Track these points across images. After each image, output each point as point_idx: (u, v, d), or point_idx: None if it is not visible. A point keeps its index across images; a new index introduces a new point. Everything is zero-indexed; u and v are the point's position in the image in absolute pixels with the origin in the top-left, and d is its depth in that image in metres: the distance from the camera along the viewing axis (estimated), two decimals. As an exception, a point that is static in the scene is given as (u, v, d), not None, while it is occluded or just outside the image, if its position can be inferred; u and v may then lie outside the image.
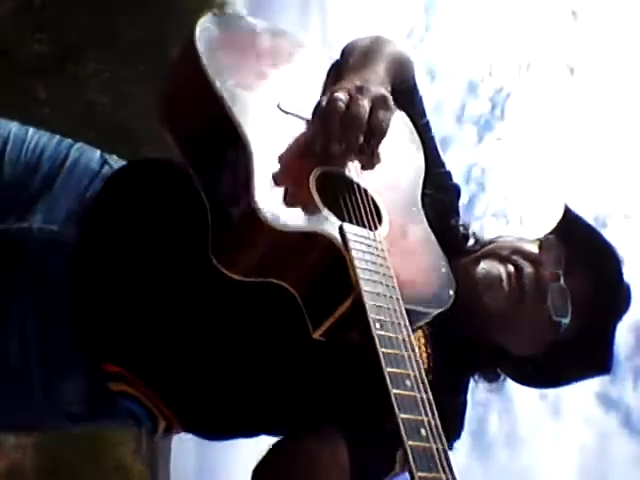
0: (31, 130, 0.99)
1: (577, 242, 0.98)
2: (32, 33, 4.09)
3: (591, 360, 1.00)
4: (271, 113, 0.82)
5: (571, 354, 0.98)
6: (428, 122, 1.05)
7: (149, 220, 0.90)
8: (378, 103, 0.80)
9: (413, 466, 0.51)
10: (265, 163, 0.74)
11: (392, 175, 0.91)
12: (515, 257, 0.97)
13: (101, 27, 4.51)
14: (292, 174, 0.77)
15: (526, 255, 0.97)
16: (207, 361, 0.87)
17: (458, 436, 0.95)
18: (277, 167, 0.76)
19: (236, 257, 0.73)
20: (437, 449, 0.54)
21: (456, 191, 1.06)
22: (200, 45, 0.80)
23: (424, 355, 0.90)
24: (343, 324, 0.72)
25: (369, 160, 0.83)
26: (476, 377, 1.03)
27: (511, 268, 0.96)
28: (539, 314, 0.94)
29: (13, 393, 0.88)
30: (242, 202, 0.71)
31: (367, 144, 0.80)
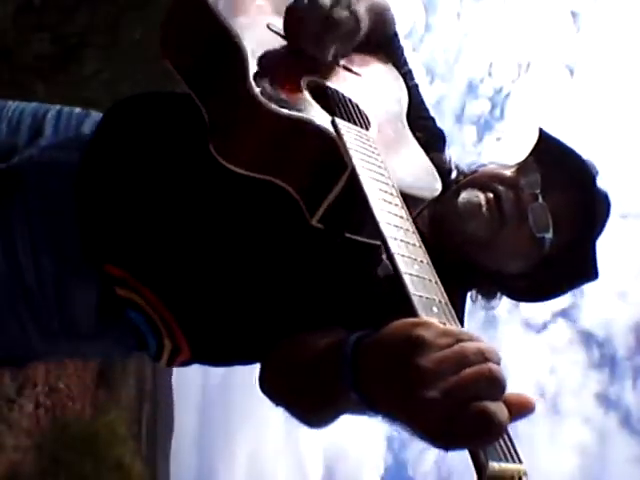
0: (9, 101, 1.04)
1: (552, 160, 1.02)
2: (32, 33, 4.09)
3: (578, 269, 1.04)
4: (262, 29, 0.88)
5: (560, 266, 1.03)
6: (410, 71, 1.10)
7: (152, 132, 0.94)
8: (339, 1, 0.85)
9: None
10: (258, 63, 0.79)
11: (379, 97, 0.96)
12: (494, 184, 1.02)
13: (101, 27, 4.51)
14: (284, 76, 0.81)
15: (504, 180, 1.02)
16: (208, 261, 0.89)
17: None
18: (270, 67, 0.80)
19: (235, 146, 0.76)
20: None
21: (440, 133, 1.12)
22: None
23: None
24: (340, 205, 0.75)
25: (323, 53, 0.85)
26: (473, 296, 1.08)
27: (490, 195, 1.00)
28: (522, 234, 0.99)
29: (31, 313, 0.90)
30: (239, 92, 0.75)
31: (320, 37, 0.84)
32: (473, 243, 1.00)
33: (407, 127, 0.94)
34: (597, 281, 1.04)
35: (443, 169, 1.04)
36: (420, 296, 0.56)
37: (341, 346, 0.67)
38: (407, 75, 1.08)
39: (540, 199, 0.99)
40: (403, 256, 0.60)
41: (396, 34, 1.09)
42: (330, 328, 0.80)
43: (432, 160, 0.93)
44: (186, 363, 0.95)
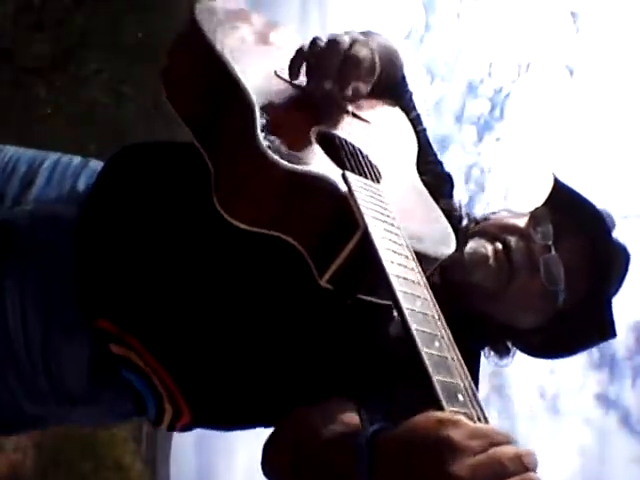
0: (7, 146, 1.00)
1: (565, 211, 0.98)
2: (32, 33, 4.08)
3: (593, 327, 1.00)
4: (269, 76, 0.85)
5: (574, 323, 0.98)
6: (419, 115, 1.07)
7: (155, 186, 0.91)
8: (357, 39, 0.83)
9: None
10: (266, 115, 0.75)
11: (389, 145, 0.93)
12: (503, 234, 0.97)
13: (101, 27, 4.51)
14: (292, 127, 0.78)
15: (514, 230, 0.98)
16: (209, 320, 0.85)
17: None
18: (278, 118, 0.77)
19: (242, 202, 0.73)
20: (464, 386, 0.53)
21: (448, 178, 1.08)
22: (200, 18, 0.83)
23: None
24: (351, 266, 0.71)
25: (344, 91, 0.83)
26: (486, 352, 1.03)
27: (499, 245, 0.96)
28: (534, 287, 0.94)
29: (18, 379, 0.87)
30: (246, 147, 0.72)
31: (343, 73, 0.81)
32: (481, 294, 0.96)
33: (417, 177, 0.91)
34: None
35: (454, 216, 1.01)
36: (443, 381, 0.52)
37: (355, 438, 0.62)
38: (416, 120, 1.05)
39: (553, 251, 0.94)
40: (424, 332, 0.56)
41: (404, 77, 1.06)
42: (339, 402, 0.75)
43: (442, 207, 0.91)
44: (187, 427, 0.91)
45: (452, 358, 0.55)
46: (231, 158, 0.75)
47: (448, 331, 0.58)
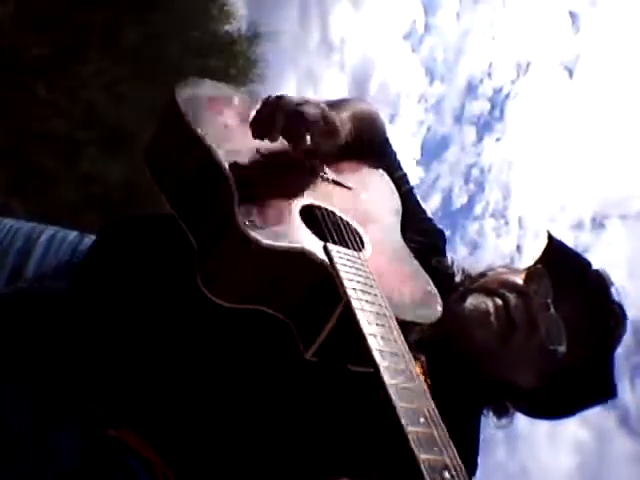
0: (6, 219, 1.01)
1: (563, 269, 0.98)
2: (32, 33, 4.09)
3: (594, 387, 0.99)
4: (251, 154, 0.85)
5: (574, 382, 0.97)
6: (404, 175, 1.06)
7: (141, 265, 0.90)
8: (308, 100, 0.83)
9: None
10: (246, 191, 0.76)
11: (371, 209, 0.93)
12: (502, 290, 0.97)
13: (101, 27, 4.51)
14: (274, 201, 0.79)
15: (513, 287, 0.97)
16: (200, 405, 0.83)
17: (472, 474, 0.92)
18: (260, 194, 0.78)
19: (225, 282, 0.73)
20: (438, 433, 0.52)
21: (440, 234, 1.06)
22: (181, 101, 0.85)
23: None
24: (335, 338, 0.71)
25: (297, 147, 0.83)
26: (485, 412, 1.01)
27: (499, 301, 0.95)
28: (533, 345, 0.94)
29: (9, 456, 0.86)
30: (227, 227, 0.72)
31: (289, 126, 0.82)
32: (482, 350, 0.94)
33: (401, 239, 0.90)
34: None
35: (446, 273, 1.01)
36: (428, 459, 0.51)
37: None
38: (401, 179, 1.04)
39: (552, 309, 0.93)
40: (407, 409, 0.55)
41: (387, 139, 1.05)
42: None
43: (434, 265, 0.90)
44: None
45: (438, 435, 0.54)
46: (212, 237, 0.75)
47: (434, 407, 0.57)
